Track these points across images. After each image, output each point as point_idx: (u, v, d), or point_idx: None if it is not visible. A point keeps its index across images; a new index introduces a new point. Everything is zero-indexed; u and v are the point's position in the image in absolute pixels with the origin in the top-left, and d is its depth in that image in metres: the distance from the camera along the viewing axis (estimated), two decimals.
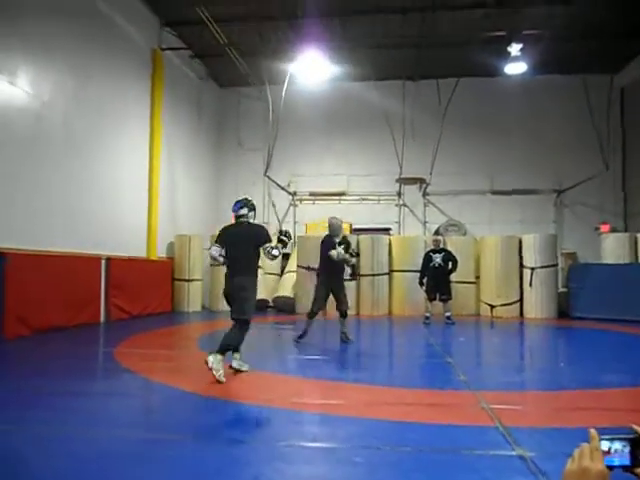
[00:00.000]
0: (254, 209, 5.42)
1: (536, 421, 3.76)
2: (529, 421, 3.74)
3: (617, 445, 1.09)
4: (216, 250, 5.25)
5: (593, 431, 1.10)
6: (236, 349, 5.17)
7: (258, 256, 5.23)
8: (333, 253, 7.24)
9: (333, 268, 7.50)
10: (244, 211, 5.30)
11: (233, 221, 5.51)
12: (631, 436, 1.09)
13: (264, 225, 5.83)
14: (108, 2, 10.41)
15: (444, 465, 2.86)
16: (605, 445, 1.08)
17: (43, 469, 2.78)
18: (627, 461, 1.08)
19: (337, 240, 7.64)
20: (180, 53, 13.78)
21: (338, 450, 3.08)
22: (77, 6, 9.49)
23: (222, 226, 5.64)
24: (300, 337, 7.44)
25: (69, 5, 9.24)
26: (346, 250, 7.56)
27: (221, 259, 5.24)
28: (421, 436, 3.32)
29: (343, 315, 7.55)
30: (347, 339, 7.50)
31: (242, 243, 5.13)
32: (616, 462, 1.08)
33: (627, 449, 1.08)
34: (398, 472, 2.77)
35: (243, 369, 5.19)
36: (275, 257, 5.20)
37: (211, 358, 4.72)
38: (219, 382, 4.66)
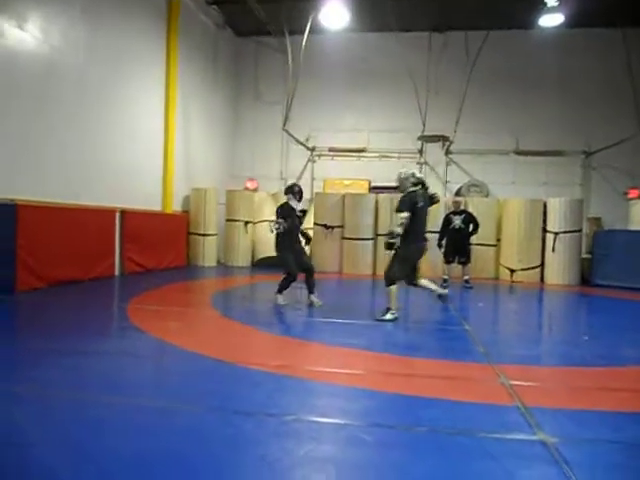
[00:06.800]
0: (289, 192, 7.28)
1: (559, 401, 3.56)
2: (552, 401, 3.55)
3: None
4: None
5: None
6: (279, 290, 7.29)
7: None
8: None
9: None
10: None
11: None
12: None
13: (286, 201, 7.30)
14: None
15: (459, 449, 2.69)
16: None
17: (50, 432, 2.70)
18: None
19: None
20: None
21: (349, 427, 2.94)
22: None
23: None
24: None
25: None
26: None
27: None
28: (437, 414, 3.16)
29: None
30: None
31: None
32: None
33: None
34: (411, 455, 2.62)
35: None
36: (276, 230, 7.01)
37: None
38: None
